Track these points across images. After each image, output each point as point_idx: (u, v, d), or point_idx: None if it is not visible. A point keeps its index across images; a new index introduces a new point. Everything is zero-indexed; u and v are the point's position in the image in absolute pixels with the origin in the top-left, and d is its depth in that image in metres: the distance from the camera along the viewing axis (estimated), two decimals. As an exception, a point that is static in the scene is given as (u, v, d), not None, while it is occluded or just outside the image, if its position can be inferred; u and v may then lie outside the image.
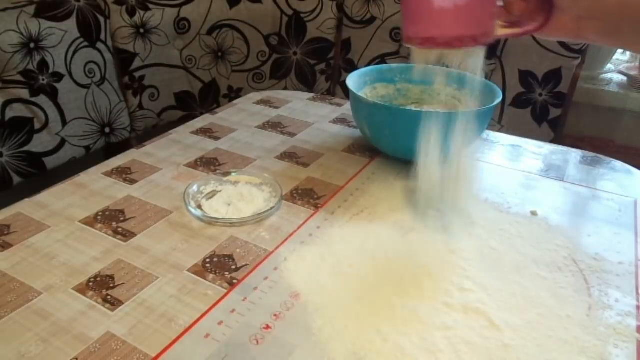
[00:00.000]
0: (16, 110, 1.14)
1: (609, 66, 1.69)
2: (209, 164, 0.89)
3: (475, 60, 0.64)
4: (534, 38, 1.33)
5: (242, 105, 1.16)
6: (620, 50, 1.67)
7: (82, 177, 0.84)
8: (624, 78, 1.65)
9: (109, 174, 0.85)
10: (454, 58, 0.65)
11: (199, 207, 0.76)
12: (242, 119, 1.08)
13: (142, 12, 1.38)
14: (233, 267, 0.65)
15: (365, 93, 0.96)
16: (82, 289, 0.60)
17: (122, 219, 0.74)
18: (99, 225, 0.72)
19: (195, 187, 0.79)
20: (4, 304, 0.58)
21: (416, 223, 0.74)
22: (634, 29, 0.55)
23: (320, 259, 0.66)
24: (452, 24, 0.56)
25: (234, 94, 1.57)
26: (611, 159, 0.94)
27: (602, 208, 0.79)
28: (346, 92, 0.95)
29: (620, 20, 0.56)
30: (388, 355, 0.53)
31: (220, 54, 1.51)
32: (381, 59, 1.51)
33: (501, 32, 0.59)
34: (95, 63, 1.30)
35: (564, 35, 0.61)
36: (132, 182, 0.83)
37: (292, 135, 1.01)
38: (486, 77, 1.40)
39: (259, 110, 1.14)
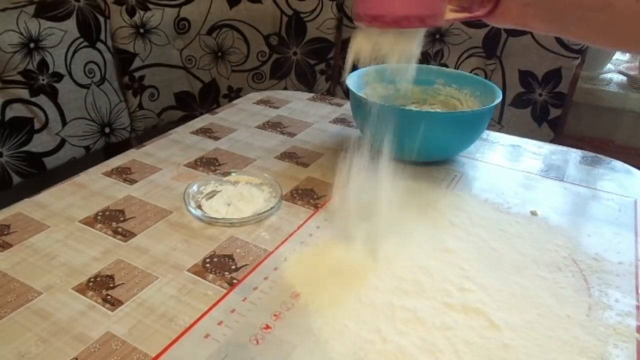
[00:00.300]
0: (16, 110, 1.14)
1: (609, 66, 1.69)
2: (209, 164, 0.89)
3: (410, 47, 0.63)
4: (533, 38, 1.33)
5: (242, 105, 1.16)
6: (620, 50, 1.67)
7: (82, 177, 0.84)
8: (624, 78, 1.65)
9: (109, 174, 0.85)
10: (387, 46, 0.63)
11: (199, 207, 0.76)
12: (242, 119, 1.08)
13: (142, 12, 1.38)
14: (233, 267, 0.65)
15: (365, 93, 0.96)
16: (82, 289, 0.60)
17: (122, 219, 0.74)
18: (99, 225, 0.72)
19: (195, 187, 0.79)
20: (4, 304, 0.58)
21: (416, 223, 0.74)
22: (577, 16, 0.56)
23: (320, 259, 0.66)
24: (401, 2, 0.56)
25: (234, 94, 1.57)
26: (611, 159, 0.94)
27: (602, 208, 0.79)
28: (346, 92, 0.95)
29: (564, 7, 0.57)
30: (388, 355, 0.53)
31: (220, 54, 1.51)
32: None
33: (450, 16, 0.60)
34: (95, 63, 1.30)
35: (511, 21, 0.62)
36: (132, 182, 0.83)
37: (292, 135, 1.01)
38: (486, 77, 1.40)
39: (259, 110, 1.14)
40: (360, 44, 0.64)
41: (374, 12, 0.58)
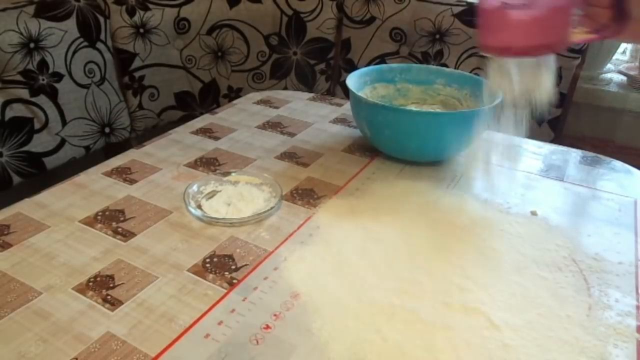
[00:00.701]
0: (16, 110, 1.14)
1: (609, 66, 1.69)
2: (209, 164, 0.89)
3: (545, 78, 0.64)
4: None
5: (242, 105, 1.16)
6: (620, 50, 1.67)
7: (82, 177, 0.84)
8: (624, 78, 1.65)
9: (109, 174, 0.85)
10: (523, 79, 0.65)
11: (199, 207, 0.76)
12: (242, 119, 1.08)
13: (142, 12, 1.38)
14: (233, 267, 0.65)
15: (365, 93, 0.96)
16: (82, 289, 0.60)
17: (122, 219, 0.74)
18: (99, 225, 0.72)
19: (195, 187, 0.79)
20: (4, 304, 0.58)
21: (416, 223, 0.74)
22: None
23: (320, 259, 0.66)
24: (529, 33, 0.57)
25: (234, 94, 1.57)
26: (611, 159, 0.94)
27: (602, 208, 0.79)
28: (346, 92, 0.95)
29: None
30: (388, 355, 0.53)
31: (220, 54, 1.51)
32: (381, 59, 1.51)
33: (577, 37, 0.61)
34: (95, 63, 1.30)
35: (635, 39, 0.64)
36: (132, 182, 0.83)
37: (292, 135, 1.01)
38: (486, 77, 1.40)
39: (259, 110, 1.14)
40: (497, 80, 0.65)
41: (503, 44, 0.59)
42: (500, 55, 0.61)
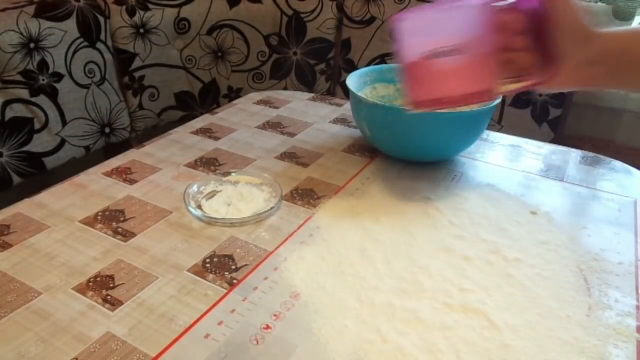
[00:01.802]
0: (16, 110, 1.14)
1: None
2: (209, 164, 0.89)
3: None
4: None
5: (242, 105, 1.16)
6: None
7: (82, 177, 0.84)
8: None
9: (109, 174, 0.85)
10: None
11: (199, 207, 0.76)
12: (242, 119, 1.08)
13: (142, 12, 1.38)
14: (233, 267, 0.65)
15: (365, 93, 0.96)
16: (82, 289, 0.60)
17: (122, 219, 0.74)
18: (99, 225, 0.72)
19: (195, 187, 0.79)
20: (4, 304, 0.58)
21: (416, 223, 0.74)
22: (635, 72, 0.58)
23: (320, 259, 0.66)
24: (453, 85, 0.57)
25: (234, 94, 1.57)
26: (611, 159, 0.94)
27: (602, 208, 0.79)
28: (346, 92, 0.95)
29: (624, 66, 0.58)
30: (388, 355, 0.53)
31: (220, 54, 1.51)
32: (381, 59, 1.51)
33: (508, 87, 0.61)
34: (95, 63, 1.30)
35: (571, 84, 0.62)
36: (132, 182, 0.83)
37: (292, 135, 1.01)
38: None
39: (259, 110, 1.14)
40: None
41: (432, 96, 0.59)
42: (432, 108, 0.60)
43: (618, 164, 0.92)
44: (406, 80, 0.60)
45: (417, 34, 0.57)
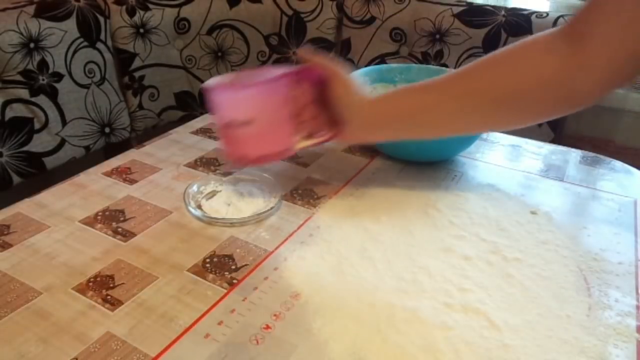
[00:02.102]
0: (16, 110, 1.14)
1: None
2: (209, 164, 0.89)
3: None
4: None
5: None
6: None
7: (82, 177, 0.84)
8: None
9: (109, 173, 0.85)
10: None
11: (199, 207, 0.76)
12: (242, 119, 1.08)
13: (142, 12, 1.38)
14: (233, 267, 0.65)
15: None
16: (82, 289, 0.60)
17: (122, 219, 0.74)
18: (99, 225, 0.72)
19: (195, 187, 0.79)
20: (4, 304, 0.58)
21: (416, 223, 0.74)
22: (409, 131, 0.73)
23: (321, 259, 0.66)
24: (255, 146, 0.68)
25: (234, 94, 1.57)
26: (611, 159, 0.94)
27: (602, 208, 0.79)
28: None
29: (401, 121, 0.71)
30: (388, 355, 0.53)
31: (220, 54, 1.51)
32: (381, 59, 1.51)
33: (301, 144, 0.72)
34: (95, 63, 1.30)
35: (357, 140, 0.77)
36: (132, 182, 0.83)
37: (292, 135, 1.01)
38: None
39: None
40: None
41: (238, 155, 0.69)
42: (240, 164, 0.69)
43: (618, 164, 0.92)
44: (221, 138, 0.70)
45: (225, 105, 0.66)
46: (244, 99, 0.66)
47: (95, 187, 0.81)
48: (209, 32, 1.48)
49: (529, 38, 0.66)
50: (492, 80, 0.66)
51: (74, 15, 1.24)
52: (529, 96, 0.65)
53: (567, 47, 0.62)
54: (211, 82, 0.67)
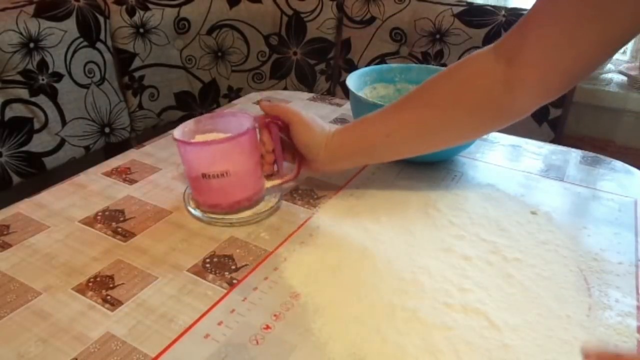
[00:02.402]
0: (16, 110, 1.14)
1: (609, 66, 1.69)
2: (209, 164, 0.89)
3: None
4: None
5: (242, 105, 1.16)
6: (621, 50, 1.66)
7: (82, 177, 0.84)
8: (624, 78, 1.65)
9: (109, 173, 0.85)
10: None
11: (199, 207, 0.76)
12: (242, 119, 1.08)
13: (141, 12, 1.38)
14: (233, 267, 0.65)
15: (365, 93, 0.96)
16: (81, 289, 0.60)
17: (121, 219, 0.74)
18: (99, 225, 0.72)
19: (195, 187, 0.79)
20: (4, 304, 0.58)
21: (416, 223, 0.74)
22: (372, 158, 0.79)
23: (320, 259, 0.66)
24: (229, 194, 0.72)
25: (234, 94, 1.57)
26: (611, 159, 0.94)
27: (602, 208, 0.79)
28: (346, 92, 0.95)
29: (365, 155, 0.77)
30: (388, 356, 0.53)
31: (220, 54, 1.51)
32: (381, 59, 1.51)
33: (270, 184, 0.77)
34: (95, 63, 1.30)
35: (324, 172, 0.81)
36: (132, 182, 0.83)
37: (292, 135, 1.01)
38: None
39: (259, 110, 1.13)
40: None
41: (211, 203, 0.73)
42: (213, 210, 0.73)
43: (618, 164, 0.92)
44: (193, 188, 0.74)
45: (198, 159, 0.70)
46: (216, 153, 0.70)
47: (95, 187, 0.81)
48: (209, 32, 1.48)
49: (472, 54, 0.70)
50: (432, 98, 0.71)
51: (74, 15, 1.24)
52: (466, 111, 0.70)
53: (500, 64, 0.66)
54: (177, 132, 0.71)
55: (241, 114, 0.76)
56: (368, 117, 0.76)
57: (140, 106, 1.44)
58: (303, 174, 0.80)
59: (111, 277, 0.62)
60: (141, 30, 1.38)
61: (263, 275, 0.64)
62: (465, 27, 1.40)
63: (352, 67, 1.54)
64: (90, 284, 0.61)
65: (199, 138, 0.74)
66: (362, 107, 0.86)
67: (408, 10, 1.46)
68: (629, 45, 1.70)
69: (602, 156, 0.95)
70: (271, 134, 0.75)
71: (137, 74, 1.41)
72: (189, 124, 0.74)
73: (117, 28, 1.35)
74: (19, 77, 1.15)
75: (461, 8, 1.40)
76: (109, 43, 1.33)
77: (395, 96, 1.00)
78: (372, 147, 0.75)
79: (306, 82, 1.58)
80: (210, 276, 0.63)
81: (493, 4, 1.48)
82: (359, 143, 0.75)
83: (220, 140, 0.71)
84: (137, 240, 0.69)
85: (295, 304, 0.59)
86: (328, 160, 0.75)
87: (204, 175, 0.70)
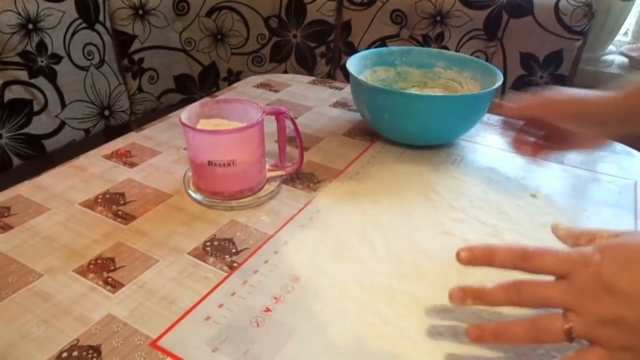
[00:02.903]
0: (15, 92, 1.14)
1: (611, 47, 1.68)
2: (209, 147, 0.89)
3: None
4: (535, 19, 1.32)
5: (241, 89, 1.16)
6: (622, 31, 1.65)
7: (82, 160, 0.84)
8: (626, 60, 1.64)
9: (109, 156, 0.85)
10: None
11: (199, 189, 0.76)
12: (241, 101, 1.08)
13: (140, -6, 1.37)
14: (233, 250, 0.65)
15: (366, 76, 0.95)
16: (82, 271, 0.61)
17: (122, 202, 0.74)
18: (99, 208, 0.72)
19: (195, 170, 0.79)
20: (5, 285, 0.58)
21: (416, 206, 0.74)
22: None
23: (321, 242, 0.67)
24: (233, 183, 0.73)
25: (234, 77, 1.57)
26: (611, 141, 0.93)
27: (602, 190, 0.79)
28: (346, 76, 0.95)
29: None
30: (388, 339, 0.53)
31: (219, 36, 1.50)
32: (381, 41, 1.50)
33: (270, 174, 0.78)
34: (94, 45, 1.29)
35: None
36: (132, 165, 0.83)
37: (292, 118, 1.01)
38: (487, 60, 1.40)
39: (259, 93, 1.13)
40: None
41: (214, 190, 0.73)
42: (214, 197, 0.73)
43: (618, 146, 0.92)
44: (195, 173, 0.74)
45: (206, 146, 0.70)
46: (225, 142, 0.70)
47: (95, 170, 0.81)
48: (208, 14, 1.47)
49: None
50: None
51: (73, -4, 1.23)
52: None
53: None
54: (184, 116, 0.70)
55: (248, 102, 0.75)
56: None
57: (139, 89, 1.44)
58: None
59: (112, 260, 0.63)
60: (140, 11, 1.37)
61: (263, 258, 0.64)
62: (466, 9, 1.39)
63: (352, 49, 1.53)
64: (92, 266, 0.61)
65: (203, 122, 0.74)
66: (362, 90, 0.86)
67: (409, -8, 1.44)
68: (631, 27, 1.69)
69: (602, 139, 0.95)
70: (278, 124, 0.75)
71: (136, 57, 1.40)
72: (195, 107, 0.73)
73: (115, 9, 1.34)
74: (17, 59, 1.14)
75: (462, -10, 1.39)
76: (108, 25, 1.32)
77: (396, 79, 1.00)
78: None
79: (306, 65, 1.57)
80: (211, 259, 0.63)
81: (495, -15, 1.47)
82: None
83: (231, 130, 0.71)
84: (138, 223, 0.70)
85: (296, 287, 0.59)
86: (619, 121, 0.68)
87: (209, 163, 0.70)
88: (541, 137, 0.76)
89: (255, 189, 0.75)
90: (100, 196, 0.75)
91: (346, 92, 1.15)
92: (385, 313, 0.56)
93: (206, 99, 0.76)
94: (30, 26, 1.15)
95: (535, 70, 1.37)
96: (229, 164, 0.70)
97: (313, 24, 1.53)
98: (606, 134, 0.72)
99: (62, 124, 1.24)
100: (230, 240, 0.67)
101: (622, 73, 1.59)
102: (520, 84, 1.40)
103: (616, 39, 1.70)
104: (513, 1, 1.34)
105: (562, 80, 1.36)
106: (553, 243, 0.67)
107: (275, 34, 1.54)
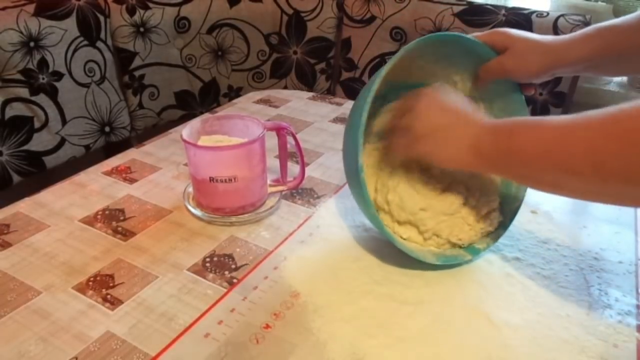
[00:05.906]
0: (16, 109, 1.14)
1: (609, 65, 1.68)
2: (209, 163, 0.89)
3: None
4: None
5: (242, 105, 1.16)
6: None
7: (82, 176, 0.84)
8: (624, 78, 1.64)
9: (109, 173, 0.85)
10: None
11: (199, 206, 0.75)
12: (242, 118, 1.08)
13: (142, 11, 1.38)
14: (233, 266, 0.65)
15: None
16: (81, 288, 0.60)
17: (121, 218, 0.74)
18: (99, 224, 0.72)
19: (195, 186, 0.79)
20: (4, 303, 0.58)
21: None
22: None
23: (320, 258, 0.66)
24: (232, 200, 0.73)
25: (234, 93, 1.57)
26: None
27: (603, 207, 0.79)
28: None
29: None
30: (387, 355, 0.53)
31: (220, 53, 1.51)
32: (381, 58, 1.51)
33: (271, 190, 0.78)
34: (95, 62, 1.30)
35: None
36: (132, 181, 0.83)
37: (292, 134, 1.01)
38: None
39: (259, 109, 1.13)
40: None
41: (215, 206, 0.73)
42: (215, 214, 0.73)
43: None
44: (196, 190, 0.74)
45: (207, 162, 0.71)
46: (227, 158, 0.70)
47: (95, 186, 0.81)
48: (209, 31, 1.48)
49: None
50: None
51: (74, 14, 1.23)
52: None
53: None
54: (185, 132, 0.71)
55: (249, 118, 0.75)
56: None
57: (140, 105, 1.44)
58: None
59: (111, 276, 0.62)
60: (141, 29, 1.38)
61: (263, 274, 0.64)
62: (465, 26, 1.40)
63: (352, 66, 1.54)
64: (91, 283, 0.61)
65: (204, 139, 0.74)
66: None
67: (408, 9, 1.45)
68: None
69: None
70: (279, 140, 0.76)
71: (137, 73, 1.41)
72: (195, 124, 0.74)
73: (117, 27, 1.35)
74: (19, 76, 1.14)
75: (461, 7, 1.40)
76: (109, 42, 1.33)
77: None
78: None
79: (306, 82, 1.58)
80: (211, 275, 0.63)
81: (493, 3, 1.48)
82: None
83: (232, 146, 0.71)
84: (137, 239, 0.69)
85: (295, 303, 0.59)
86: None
87: (211, 179, 0.70)
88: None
89: (257, 204, 0.75)
90: (100, 212, 0.75)
91: (346, 107, 1.15)
92: (385, 329, 0.55)
93: (207, 115, 0.76)
94: (32, 44, 1.16)
95: (535, 87, 1.37)
96: (230, 180, 0.70)
97: (313, 40, 1.53)
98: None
99: (63, 141, 1.24)
100: (230, 256, 0.66)
101: (621, 91, 1.59)
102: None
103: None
104: (512, 19, 1.35)
105: (562, 97, 1.36)
106: (552, 259, 0.67)
107: (276, 51, 1.55)
